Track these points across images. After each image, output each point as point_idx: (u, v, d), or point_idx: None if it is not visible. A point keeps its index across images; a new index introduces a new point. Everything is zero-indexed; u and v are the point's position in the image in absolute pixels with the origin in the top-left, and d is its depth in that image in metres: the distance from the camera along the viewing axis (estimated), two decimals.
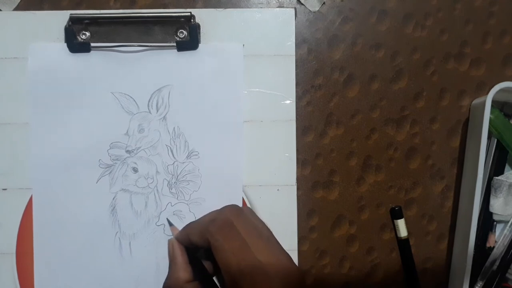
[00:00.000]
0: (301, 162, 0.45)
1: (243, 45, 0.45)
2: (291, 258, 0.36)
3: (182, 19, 0.44)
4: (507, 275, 0.44)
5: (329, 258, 0.46)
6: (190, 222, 0.42)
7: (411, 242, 0.46)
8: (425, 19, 0.46)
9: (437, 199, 0.46)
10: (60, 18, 0.44)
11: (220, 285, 0.41)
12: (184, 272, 0.39)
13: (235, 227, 0.36)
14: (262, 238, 0.36)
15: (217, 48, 0.45)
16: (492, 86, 0.41)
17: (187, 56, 0.45)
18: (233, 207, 0.39)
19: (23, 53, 0.44)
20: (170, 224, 0.44)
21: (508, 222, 0.45)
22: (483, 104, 0.41)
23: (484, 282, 0.44)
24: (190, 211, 0.44)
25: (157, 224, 0.44)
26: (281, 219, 0.45)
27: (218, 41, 0.45)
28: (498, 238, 0.45)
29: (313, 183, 0.46)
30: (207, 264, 0.41)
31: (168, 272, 0.41)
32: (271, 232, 0.38)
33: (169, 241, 0.42)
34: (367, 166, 0.46)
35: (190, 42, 0.44)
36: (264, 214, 0.44)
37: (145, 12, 0.44)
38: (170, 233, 0.44)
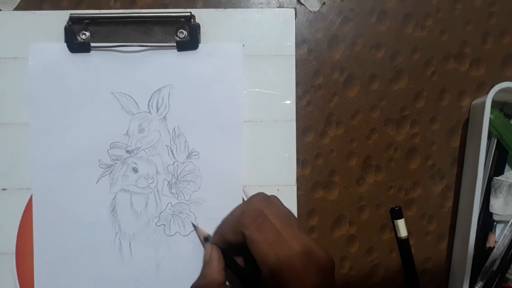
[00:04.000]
0: (301, 162, 0.45)
1: (243, 45, 0.45)
2: (321, 248, 0.36)
3: (182, 19, 0.44)
4: (507, 275, 0.44)
5: None
6: (221, 222, 0.40)
7: (411, 242, 0.46)
8: (425, 19, 0.46)
9: (437, 199, 0.46)
10: (60, 18, 0.44)
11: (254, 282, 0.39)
12: (218, 275, 0.37)
13: (267, 216, 0.35)
14: (293, 226, 0.36)
15: (217, 48, 0.45)
16: (492, 86, 0.41)
17: (187, 56, 0.45)
18: (260, 195, 0.38)
19: (23, 53, 0.44)
20: (195, 227, 0.43)
21: (508, 222, 0.45)
22: (483, 104, 0.41)
23: (484, 282, 0.44)
24: (190, 211, 0.44)
25: (157, 224, 0.44)
26: None
27: (218, 41, 0.45)
28: (498, 238, 0.45)
29: (313, 183, 0.46)
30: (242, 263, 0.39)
31: (201, 273, 0.39)
32: (297, 219, 0.37)
33: (207, 245, 0.39)
34: (367, 166, 0.46)
35: (190, 42, 0.44)
36: None
37: (145, 12, 0.44)
38: (170, 233, 0.44)
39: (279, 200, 0.39)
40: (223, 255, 0.39)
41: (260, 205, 0.36)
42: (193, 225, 0.44)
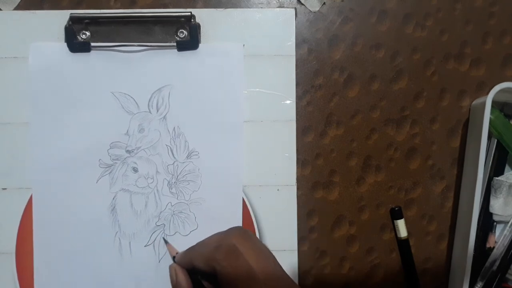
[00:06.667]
0: (301, 162, 0.45)
1: (243, 45, 0.45)
2: (295, 283, 0.36)
3: (182, 19, 0.44)
4: (507, 275, 0.44)
5: (329, 258, 0.46)
6: (193, 247, 0.40)
7: (411, 242, 0.46)
8: (425, 19, 0.46)
9: (437, 199, 0.46)
10: (60, 17, 0.44)
11: None
12: None
13: (241, 252, 0.35)
14: (268, 261, 0.36)
15: (217, 48, 0.45)
16: (492, 87, 0.41)
17: (187, 56, 0.45)
18: (238, 229, 0.38)
19: (23, 52, 0.44)
20: (166, 242, 0.44)
21: (508, 222, 0.45)
22: (483, 105, 0.41)
23: (484, 283, 0.44)
24: (190, 211, 0.44)
25: (157, 224, 0.44)
26: (281, 219, 0.45)
27: (218, 41, 0.45)
28: (498, 239, 0.45)
29: (313, 183, 0.46)
30: (209, 286, 0.40)
31: None
32: (274, 256, 0.38)
33: (171, 267, 0.40)
34: (367, 166, 0.46)
35: (190, 42, 0.44)
36: (264, 214, 0.44)
37: (145, 12, 0.44)
38: (170, 233, 0.44)
39: (255, 236, 0.39)
40: (191, 277, 0.39)
41: (235, 241, 0.36)
42: (164, 241, 0.44)
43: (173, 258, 0.42)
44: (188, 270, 0.39)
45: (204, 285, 0.39)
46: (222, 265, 0.35)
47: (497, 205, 0.44)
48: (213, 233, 0.40)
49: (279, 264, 0.37)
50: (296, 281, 0.44)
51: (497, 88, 0.41)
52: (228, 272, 0.35)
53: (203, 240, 0.40)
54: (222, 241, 0.37)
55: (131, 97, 0.44)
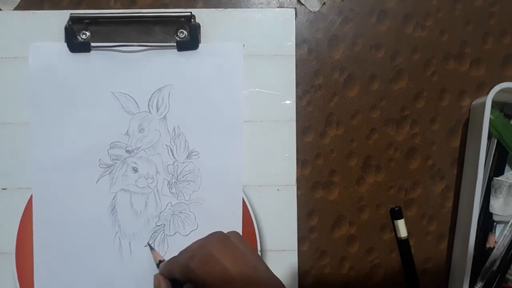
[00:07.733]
0: (301, 162, 0.45)
1: (243, 45, 0.45)
2: (282, 284, 0.36)
3: (182, 19, 0.44)
4: (507, 275, 0.44)
5: (329, 258, 0.46)
6: (175, 256, 0.40)
7: (411, 242, 0.46)
8: (425, 19, 0.46)
9: (437, 199, 0.46)
10: (60, 17, 0.44)
11: None
12: None
13: (217, 259, 0.35)
14: (249, 266, 0.36)
15: (217, 48, 0.45)
16: (492, 87, 0.41)
17: (187, 56, 0.45)
18: (217, 234, 0.38)
19: (23, 52, 0.44)
20: (152, 248, 0.44)
21: (508, 222, 0.45)
22: (483, 105, 0.41)
23: (484, 283, 0.44)
24: (190, 211, 0.44)
25: (157, 224, 0.44)
26: (281, 219, 0.45)
27: (218, 41, 0.45)
28: (498, 239, 0.45)
29: (313, 183, 0.46)
30: None
31: None
32: (259, 258, 0.37)
33: (155, 276, 0.40)
34: (367, 166, 0.46)
35: (190, 42, 0.44)
36: (264, 214, 0.44)
37: (145, 12, 0.44)
38: (170, 233, 0.44)
39: (240, 238, 0.38)
40: (174, 285, 0.39)
41: (212, 247, 0.36)
42: (150, 247, 0.44)
43: (157, 264, 0.42)
44: (171, 280, 0.39)
45: None
46: (196, 274, 0.35)
47: (497, 205, 0.44)
48: None
49: (264, 267, 0.36)
50: (296, 281, 0.45)
51: (497, 88, 0.41)
52: (203, 280, 0.34)
53: (184, 249, 0.40)
54: (199, 250, 0.37)
55: (131, 97, 0.44)
